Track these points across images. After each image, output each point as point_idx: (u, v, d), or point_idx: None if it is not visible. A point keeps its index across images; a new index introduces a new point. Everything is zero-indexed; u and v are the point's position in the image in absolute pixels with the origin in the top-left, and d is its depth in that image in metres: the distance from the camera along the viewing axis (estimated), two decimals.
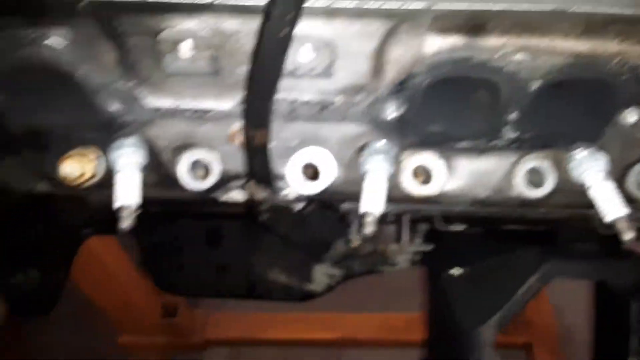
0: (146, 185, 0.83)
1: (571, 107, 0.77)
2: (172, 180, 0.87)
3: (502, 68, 0.65)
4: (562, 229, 1.08)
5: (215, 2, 0.56)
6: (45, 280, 1.17)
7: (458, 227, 0.93)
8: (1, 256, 1.12)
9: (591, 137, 0.76)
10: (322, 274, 1.90)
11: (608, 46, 0.63)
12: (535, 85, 0.67)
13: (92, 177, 0.83)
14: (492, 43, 0.62)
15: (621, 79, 0.66)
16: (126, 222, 0.76)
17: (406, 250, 1.37)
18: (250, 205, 0.74)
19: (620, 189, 0.83)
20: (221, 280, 1.90)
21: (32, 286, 1.15)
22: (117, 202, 0.77)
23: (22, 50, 0.62)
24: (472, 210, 0.89)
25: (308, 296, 2.01)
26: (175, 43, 0.62)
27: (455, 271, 1.12)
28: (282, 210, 0.79)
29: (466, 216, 0.89)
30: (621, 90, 0.68)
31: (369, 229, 0.77)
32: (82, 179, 0.81)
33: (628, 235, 0.77)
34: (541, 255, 1.01)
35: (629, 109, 0.71)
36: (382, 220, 1.06)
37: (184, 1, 0.56)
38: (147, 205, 1.02)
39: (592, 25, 0.60)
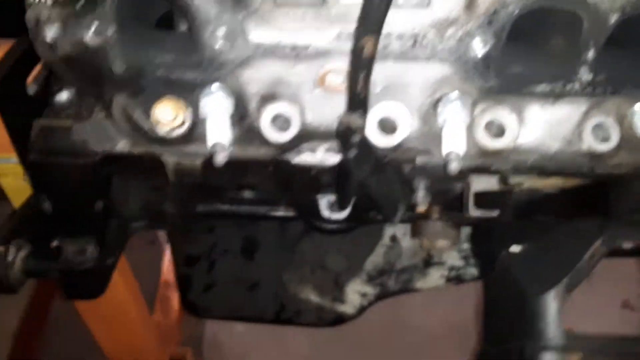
0: None
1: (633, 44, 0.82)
2: (252, 135, 0.90)
3: None
4: (615, 203, 1.11)
5: None
6: (100, 260, 1.16)
7: (529, 182, 0.95)
8: (63, 225, 1.12)
9: None
10: (355, 293, 1.89)
11: None
12: (613, 18, 0.72)
13: (182, 124, 0.86)
14: None
15: None
16: (221, 157, 0.79)
17: (455, 248, 1.39)
18: (344, 135, 0.77)
19: None
20: (251, 301, 1.88)
21: (88, 264, 1.14)
22: (212, 139, 0.80)
23: None
24: (543, 163, 0.92)
25: (339, 320, 1.99)
26: None
27: (515, 248, 1.13)
28: (369, 150, 0.81)
29: (537, 168, 0.92)
30: None
31: (455, 166, 0.80)
32: (173, 124, 0.84)
33: None
34: (603, 222, 1.03)
35: None
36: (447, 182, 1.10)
37: None
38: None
39: None
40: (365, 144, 0.80)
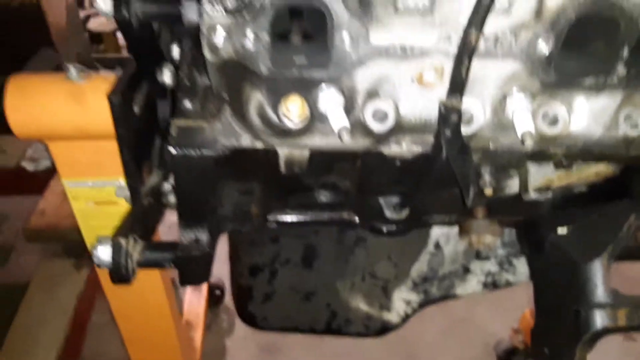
0: (332, 132, 1.07)
1: None
2: (354, 127, 1.12)
3: (623, 7, 0.95)
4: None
5: None
6: (210, 248, 1.34)
7: (577, 161, 1.16)
8: (182, 212, 1.31)
9: None
10: (400, 300, 2.06)
11: None
12: None
13: (304, 118, 1.07)
14: None
15: None
16: (347, 138, 1.00)
17: (496, 242, 1.58)
18: (445, 115, 0.98)
19: None
20: (305, 310, 2.04)
21: (201, 250, 1.32)
22: (337, 124, 1.01)
23: None
24: (589, 147, 1.14)
25: (385, 329, 2.14)
26: None
27: (561, 230, 1.34)
28: (459, 132, 1.03)
29: (585, 151, 1.13)
30: None
31: (529, 142, 1.02)
32: (299, 116, 1.06)
33: None
34: (635, 203, 1.24)
35: None
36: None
37: None
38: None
39: None
40: (458, 126, 1.02)
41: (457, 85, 0.94)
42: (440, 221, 1.70)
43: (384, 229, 1.64)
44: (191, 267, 1.34)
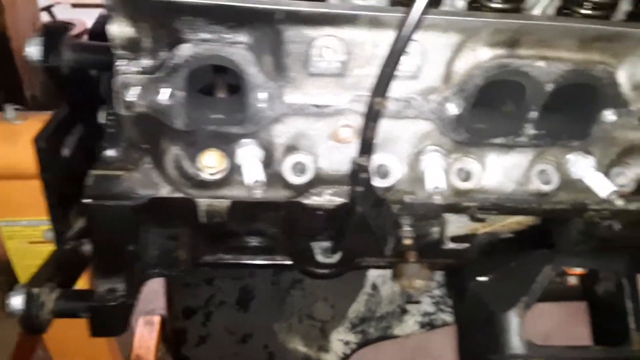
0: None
1: (569, 109, 1.12)
2: (275, 179, 1.13)
3: (528, 72, 0.99)
4: (562, 237, 1.38)
5: (359, 15, 0.90)
6: (127, 298, 1.31)
7: (491, 217, 1.19)
8: (98, 261, 1.28)
9: (582, 134, 1.10)
10: (338, 341, 2.06)
11: (593, 56, 0.99)
12: (549, 87, 1.02)
13: (222, 170, 1.08)
14: (523, 53, 0.98)
15: (602, 83, 1.02)
16: (259, 192, 1.00)
17: (427, 286, 1.61)
18: (354, 173, 1.00)
19: None
20: (241, 352, 2.01)
21: (116, 301, 1.29)
22: (251, 177, 1.02)
23: (219, 49, 0.92)
24: (502, 202, 1.18)
25: None
26: (322, 49, 0.94)
27: (482, 278, 1.37)
28: (371, 187, 1.05)
29: (497, 206, 1.17)
30: (602, 93, 1.03)
31: (438, 198, 1.05)
32: (216, 170, 1.06)
33: (619, 203, 1.08)
34: (553, 252, 1.29)
35: (608, 110, 1.06)
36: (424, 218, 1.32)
37: (344, 12, 0.89)
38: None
39: (585, 42, 0.97)
40: (369, 182, 1.04)
41: (366, 145, 0.97)
42: (372, 264, 1.73)
43: (317, 272, 1.65)
44: (107, 317, 1.31)
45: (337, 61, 0.96)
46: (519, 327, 1.20)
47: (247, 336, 1.88)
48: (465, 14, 0.94)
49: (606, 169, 1.17)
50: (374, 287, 1.91)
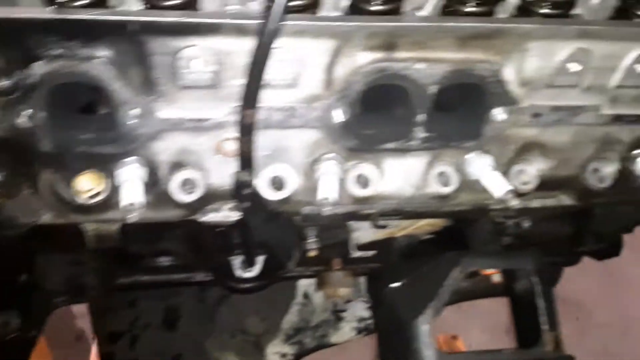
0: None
1: (459, 109, 1.10)
2: (164, 198, 1.07)
3: (409, 75, 0.97)
4: (473, 237, 1.37)
5: (223, 23, 0.85)
6: (23, 331, 1.24)
7: (393, 222, 1.17)
8: None
9: (475, 135, 1.08)
10: (275, 354, 2.01)
11: (475, 55, 0.97)
12: (432, 89, 0.99)
13: (99, 193, 1.02)
14: (401, 55, 0.95)
15: (487, 81, 1.00)
16: (133, 217, 0.95)
17: (351, 293, 1.58)
18: (237, 190, 0.96)
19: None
20: None
21: (10, 334, 1.22)
22: (125, 200, 0.96)
23: (76, 66, 0.86)
24: (402, 206, 1.15)
25: None
26: (190, 60, 0.89)
27: (395, 285, 1.34)
28: (261, 202, 1.01)
29: (398, 211, 1.15)
30: (489, 92, 1.01)
31: (327, 209, 1.01)
32: (92, 193, 1.00)
33: (513, 202, 1.06)
34: (459, 254, 1.27)
35: (498, 108, 1.04)
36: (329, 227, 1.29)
37: (203, 21, 0.85)
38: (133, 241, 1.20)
39: (463, 40, 0.95)
40: (256, 197, 1.00)
41: (245, 159, 0.92)
42: (297, 275, 1.69)
43: (238, 287, 1.60)
44: (3, 351, 1.23)
45: (207, 72, 0.91)
46: (428, 334, 1.17)
47: (177, 357, 1.82)
48: (331, 18, 0.90)
49: (506, 168, 1.16)
50: (306, 296, 1.87)
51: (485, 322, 3.11)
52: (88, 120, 0.99)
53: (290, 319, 1.86)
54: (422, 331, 1.16)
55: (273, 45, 0.81)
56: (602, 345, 2.89)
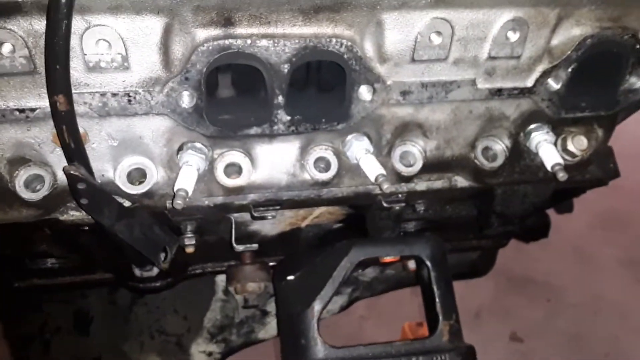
0: None
1: (322, 90, 1.02)
2: (10, 198, 0.99)
3: (256, 54, 0.89)
4: (371, 224, 1.30)
5: (23, 2, 0.77)
6: None
7: (270, 214, 1.09)
8: None
9: (343, 117, 1.00)
10: (200, 354, 1.93)
11: (325, 30, 0.90)
12: (285, 68, 0.91)
13: None
14: (242, 32, 0.87)
15: (344, 58, 0.92)
16: None
17: (262, 289, 1.50)
18: (69, 185, 0.87)
19: (389, 165, 1.08)
20: None
21: None
22: None
23: None
24: (279, 195, 1.08)
25: None
26: None
27: (290, 277, 1.27)
28: (105, 197, 0.93)
29: (275, 202, 1.07)
30: (348, 69, 0.94)
31: (179, 202, 0.93)
32: None
33: (385, 186, 0.99)
34: (350, 243, 1.20)
35: (362, 87, 0.97)
36: (210, 225, 1.21)
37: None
38: None
39: (307, 14, 0.87)
40: (97, 192, 0.91)
41: (70, 151, 0.84)
42: (206, 271, 1.61)
43: (142, 287, 1.52)
44: None
45: (20, 57, 0.82)
46: (314, 328, 1.10)
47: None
48: None
49: (387, 150, 1.09)
50: (227, 292, 1.79)
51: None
52: None
53: (213, 316, 1.78)
54: (310, 325, 1.10)
55: (68, 22, 0.72)
56: (574, 326, 2.87)
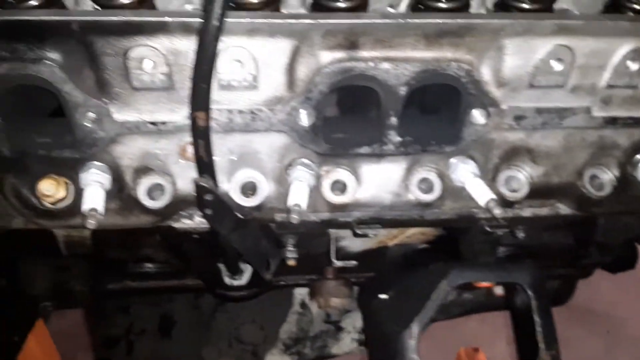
0: (108, 212, 1.00)
1: (435, 113, 1.03)
2: (132, 204, 1.05)
3: (376, 76, 0.91)
4: (466, 248, 1.29)
5: (167, 22, 0.82)
6: (3, 336, 1.23)
7: (372, 232, 1.11)
8: None
9: (454, 139, 1.01)
10: None
11: (445, 54, 0.91)
12: (402, 91, 0.93)
13: (64, 198, 1.00)
14: (365, 55, 0.89)
15: (461, 82, 0.93)
16: (92, 222, 0.92)
17: (345, 304, 1.52)
18: (198, 196, 0.92)
19: (493, 189, 1.08)
20: None
21: None
22: (85, 205, 0.93)
23: (24, 68, 0.84)
24: (381, 214, 1.09)
25: None
26: (141, 60, 0.86)
27: (383, 296, 1.28)
28: (226, 208, 0.97)
29: (378, 220, 1.09)
30: (465, 93, 0.95)
31: (295, 217, 0.96)
32: (55, 198, 0.98)
33: (496, 211, 0.99)
34: (448, 265, 1.20)
35: (476, 110, 0.97)
36: (310, 238, 1.24)
37: (148, 20, 0.81)
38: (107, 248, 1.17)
39: (430, 38, 0.89)
40: (220, 203, 0.96)
41: (202, 165, 0.88)
42: (290, 283, 1.64)
43: (229, 295, 1.57)
44: None
45: (160, 73, 0.88)
46: (414, 349, 1.10)
47: None
48: (282, 16, 0.86)
49: (493, 174, 1.08)
50: (303, 305, 1.81)
51: (511, 334, 3.00)
52: (46, 124, 0.97)
53: (289, 328, 1.81)
54: (408, 346, 1.10)
55: (216, 44, 0.77)
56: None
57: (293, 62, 0.90)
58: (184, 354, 1.81)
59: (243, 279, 1.50)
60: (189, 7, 0.94)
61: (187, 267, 1.47)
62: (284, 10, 0.93)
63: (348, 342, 1.89)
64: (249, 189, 1.06)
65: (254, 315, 1.82)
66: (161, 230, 1.13)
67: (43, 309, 1.41)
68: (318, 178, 1.06)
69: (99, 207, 0.94)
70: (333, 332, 1.88)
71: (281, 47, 0.88)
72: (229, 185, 1.04)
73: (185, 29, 0.83)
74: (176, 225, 1.10)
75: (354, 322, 1.88)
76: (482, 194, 1.01)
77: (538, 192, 1.11)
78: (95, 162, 0.98)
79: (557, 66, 0.92)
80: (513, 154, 1.07)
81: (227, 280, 1.49)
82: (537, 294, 1.18)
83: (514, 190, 1.09)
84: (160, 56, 0.86)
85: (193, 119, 0.83)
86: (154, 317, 1.75)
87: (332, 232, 1.28)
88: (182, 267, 1.48)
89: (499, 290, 1.49)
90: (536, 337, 1.16)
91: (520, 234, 1.23)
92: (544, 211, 1.14)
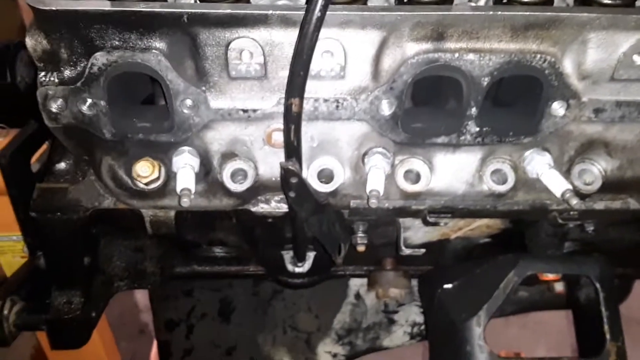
0: (194, 194, 1.06)
1: (515, 103, 1.06)
2: (216, 188, 1.10)
3: (460, 67, 0.94)
4: (533, 241, 1.31)
5: (269, 14, 0.87)
6: (84, 311, 1.31)
7: (444, 221, 1.14)
8: (52, 274, 1.28)
9: (531, 130, 1.03)
10: (326, 354, 2.00)
11: (530, 46, 0.93)
12: (485, 81, 0.96)
13: (157, 179, 1.06)
14: (451, 46, 0.93)
15: (544, 73, 0.95)
16: (186, 201, 0.98)
17: (404, 294, 1.55)
18: (284, 178, 0.97)
19: (569, 181, 1.09)
20: None
21: (72, 313, 1.29)
22: (180, 186, 0.99)
23: (133, 56, 0.90)
24: (454, 204, 1.12)
25: None
26: (240, 51, 0.91)
27: (447, 286, 1.31)
28: (308, 192, 1.01)
29: (449, 208, 1.12)
30: (546, 85, 0.97)
31: (374, 202, 1.00)
32: (150, 179, 1.04)
33: (573, 202, 1.01)
34: (517, 256, 1.22)
35: (556, 102, 0.99)
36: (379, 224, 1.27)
37: (252, 12, 0.87)
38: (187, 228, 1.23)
39: (517, 30, 0.92)
40: (303, 187, 1.00)
41: (291, 149, 0.93)
42: (349, 273, 1.68)
43: (289, 282, 1.61)
44: (64, 330, 1.31)
45: (256, 63, 0.93)
46: (480, 336, 1.13)
47: (232, 349, 1.86)
48: (376, 8, 0.89)
49: (567, 167, 1.10)
50: (358, 296, 1.85)
51: (552, 340, 2.98)
52: (146, 110, 1.04)
53: (342, 318, 1.85)
54: (475, 333, 1.13)
55: (317, 35, 0.81)
56: None
57: (380, 54, 0.94)
58: (241, 339, 1.87)
59: (305, 267, 1.55)
60: (283, 1, 0.98)
61: (253, 253, 1.52)
62: (370, 4, 0.96)
63: (400, 334, 1.92)
64: (325, 175, 1.10)
65: (310, 304, 1.86)
66: (238, 213, 1.18)
67: (117, 289, 1.48)
68: (393, 166, 1.10)
69: (192, 187, 1.00)
70: (386, 324, 1.91)
71: (370, 39, 0.92)
72: (307, 172, 1.09)
73: (284, 21, 0.88)
74: (254, 209, 1.16)
75: (407, 315, 1.90)
76: (558, 184, 1.03)
77: (611, 186, 1.12)
78: (188, 147, 1.04)
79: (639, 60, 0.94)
80: (589, 147, 1.08)
81: (290, 267, 1.54)
82: (605, 287, 1.19)
83: (587, 184, 1.10)
84: (258, 47, 0.91)
85: (288, 105, 0.88)
86: (215, 302, 1.81)
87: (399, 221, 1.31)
88: (247, 254, 1.53)
89: (559, 287, 1.50)
90: (603, 329, 1.17)
91: (590, 228, 1.24)
92: (616, 204, 1.15)
